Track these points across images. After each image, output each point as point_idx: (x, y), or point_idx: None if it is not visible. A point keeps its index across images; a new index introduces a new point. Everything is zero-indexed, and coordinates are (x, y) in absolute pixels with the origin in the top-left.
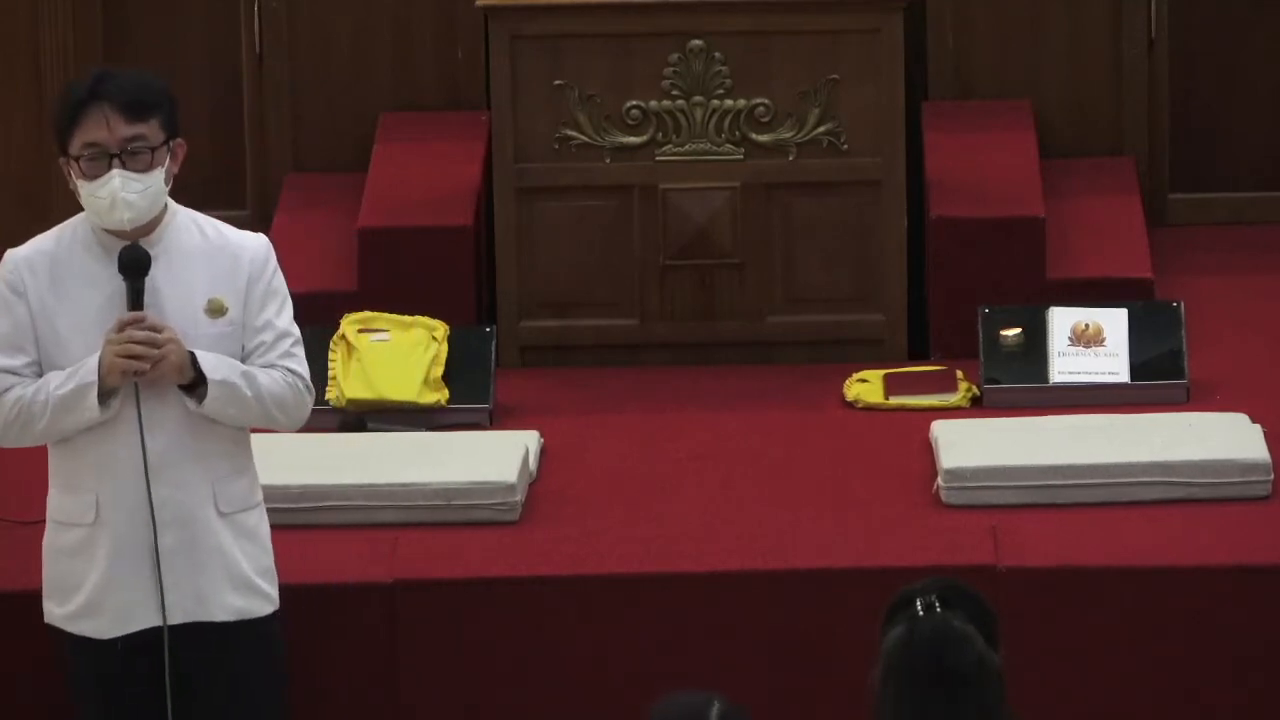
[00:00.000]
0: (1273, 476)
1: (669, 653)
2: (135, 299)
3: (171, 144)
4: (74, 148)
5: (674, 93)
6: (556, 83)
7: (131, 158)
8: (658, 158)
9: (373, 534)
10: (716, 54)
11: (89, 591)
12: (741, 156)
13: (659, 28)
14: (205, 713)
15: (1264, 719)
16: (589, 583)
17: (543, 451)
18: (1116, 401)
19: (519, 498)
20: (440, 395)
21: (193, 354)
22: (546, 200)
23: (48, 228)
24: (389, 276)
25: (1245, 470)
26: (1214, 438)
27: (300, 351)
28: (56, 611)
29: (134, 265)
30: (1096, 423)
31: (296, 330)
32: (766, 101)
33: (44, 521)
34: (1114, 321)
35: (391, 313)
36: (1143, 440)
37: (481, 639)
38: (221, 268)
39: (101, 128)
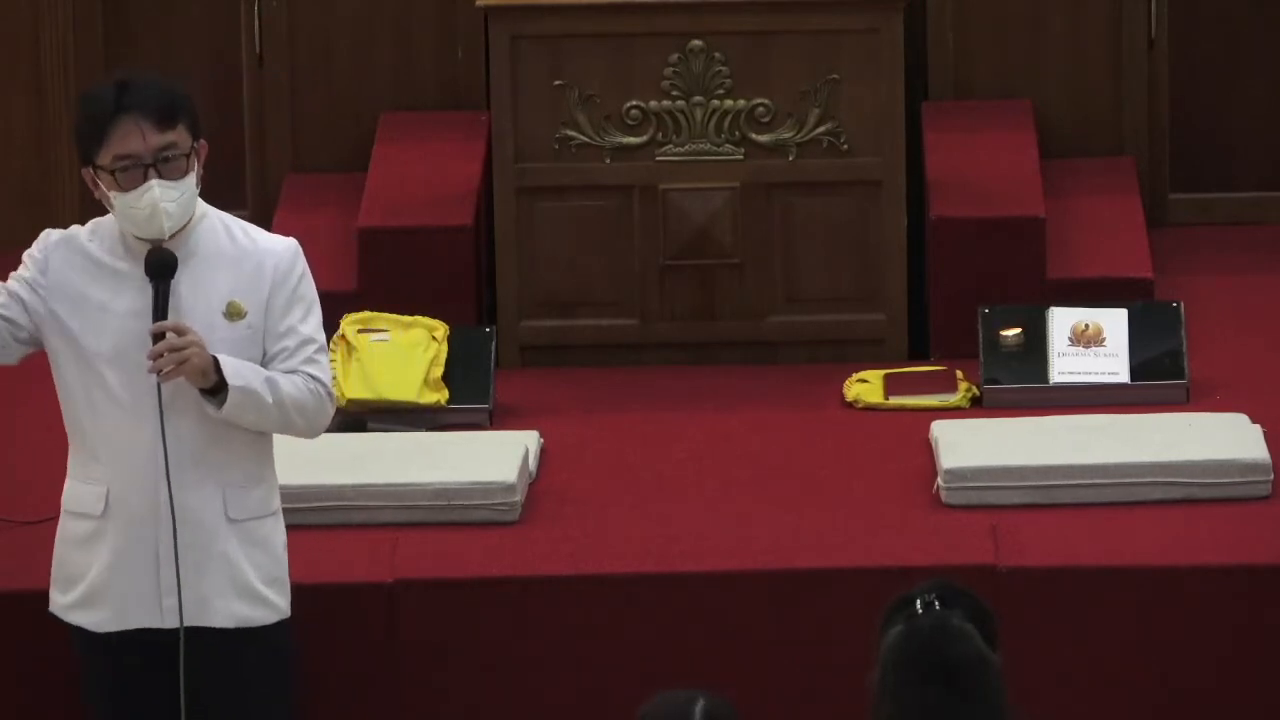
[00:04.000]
0: (1273, 476)
1: (669, 653)
2: (161, 300)
3: (196, 146)
4: (104, 160)
5: (674, 93)
6: (556, 83)
7: (166, 165)
8: (658, 158)
9: (373, 534)
10: (716, 54)
11: (89, 583)
12: (741, 156)
13: (659, 28)
14: (206, 717)
15: (1264, 719)
16: (589, 583)
17: (543, 451)
18: (1116, 401)
19: (519, 498)
20: (440, 395)
21: (216, 359)
22: (546, 200)
23: (48, 227)
24: (389, 276)
25: (1245, 470)
26: (1214, 438)
27: (324, 359)
28: (59, 600)
29: (160, 267)
30: (1096, 423)
31: (322, 337)
32: (766, 101)
33: (46, 520)
34: (1114, 321)
35: (391, 313)
36: (1143, 440)
37: (481, 639)
38: (245, 272)
39: (135, 139)
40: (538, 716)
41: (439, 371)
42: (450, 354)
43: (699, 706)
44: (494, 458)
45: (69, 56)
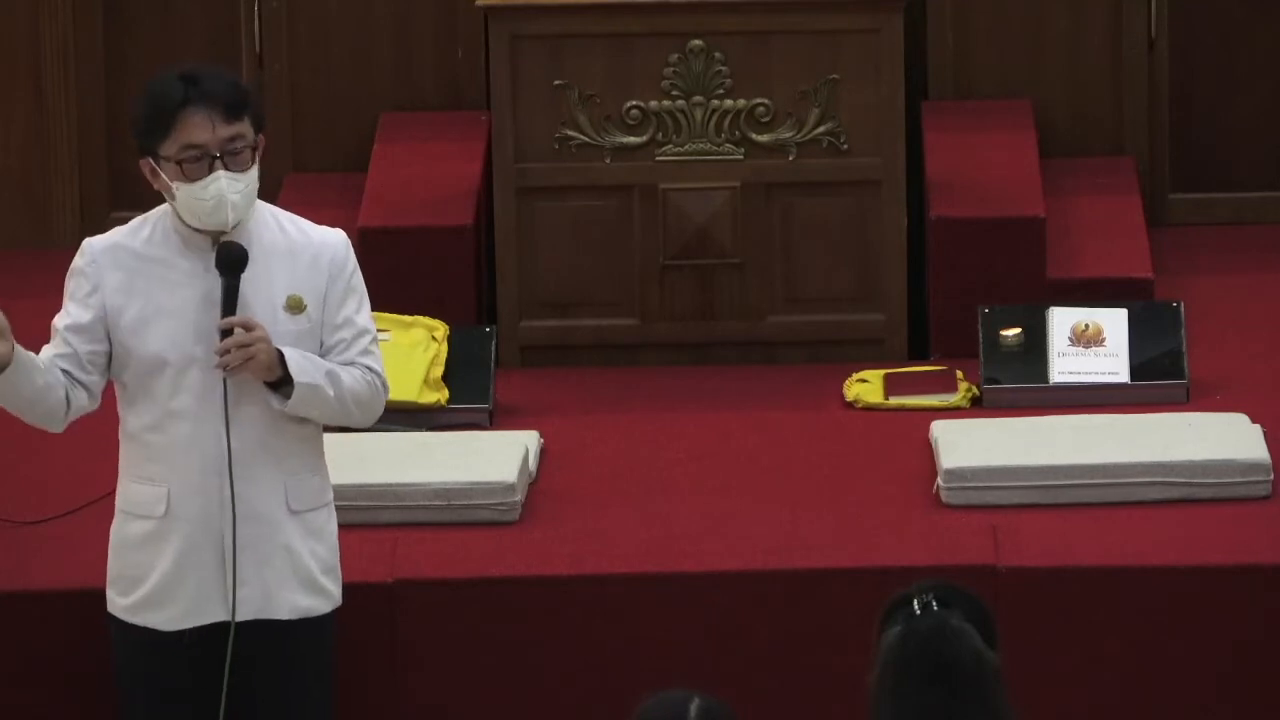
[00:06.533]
0: (1273, 476)
1: (669, 653)
2: (230, 296)
3: (257, 140)
4: (171, 150)
5: (674, 93)
6: (556, 83)
7: (232, 158)
8: (658, 158)
9: (373, 534)
10: (716, 54)
11: (154, 583)
12: (741, 156)
13: (659, 28)
14: (258, 706)
15: (1264, 718)
16: (589, 583)
17: (543, 451)
18: (1116, 401)
19: (519, 498)
20: (440, 395)
21: (280, 352)
22: (546, 200)
23: (48, 227)
24: (389, 276)
25: (1245, 470)
26: (1214, 438)
27: (377, 349)
28: (120, 602)
29: (231, 263)
30: (1097, 423)
31: (374, 327)
32: (766, 101)
33: (46, 520)
34: (1114, 321)
35: (391, 313)
36: (1143, 440)
37: (481, 639)
38: (302, 264)
39: (205, 129)
40: (538, 716)
41: (439, 371)
42: (450, 354)
43: (694, 706)
44: (494, 458)
45: (69, 56)
